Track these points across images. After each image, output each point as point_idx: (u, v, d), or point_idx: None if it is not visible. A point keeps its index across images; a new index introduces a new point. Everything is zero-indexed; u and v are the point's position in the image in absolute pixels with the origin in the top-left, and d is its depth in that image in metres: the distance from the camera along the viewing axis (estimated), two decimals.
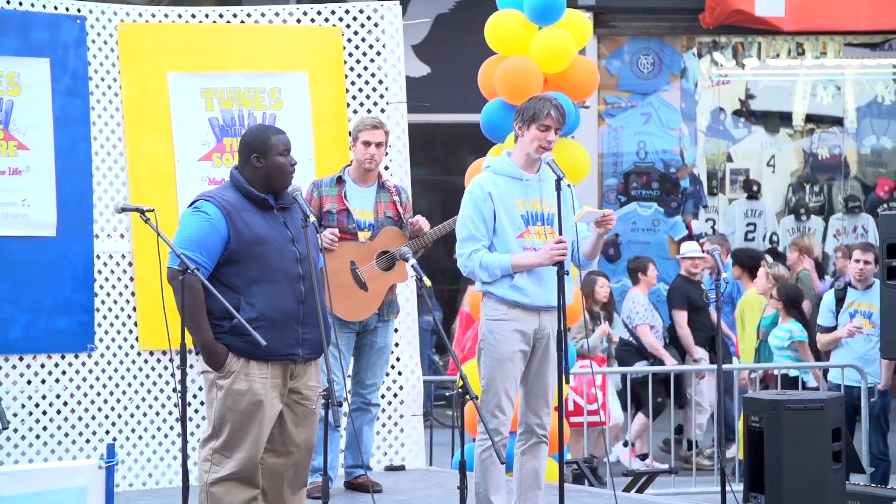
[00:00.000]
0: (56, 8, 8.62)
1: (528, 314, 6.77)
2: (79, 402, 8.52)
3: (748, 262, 13.15)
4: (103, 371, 8.60)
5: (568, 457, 9.96)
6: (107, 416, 8.59)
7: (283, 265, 6.04)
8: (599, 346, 11.66)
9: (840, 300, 10.60)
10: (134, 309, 8.69)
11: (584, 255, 6.87)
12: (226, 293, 5.94)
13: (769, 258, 13.96)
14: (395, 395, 9.21)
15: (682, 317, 12.53)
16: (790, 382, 11.00)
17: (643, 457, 11.98)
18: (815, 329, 11.01)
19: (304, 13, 9.21)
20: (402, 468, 9.13)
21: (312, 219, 6.00)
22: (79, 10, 8.69)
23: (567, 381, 6.65)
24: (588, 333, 11.33)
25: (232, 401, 5.98)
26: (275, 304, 5.99)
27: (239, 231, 6.00)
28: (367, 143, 8.16)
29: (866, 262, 10.43)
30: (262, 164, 6.10)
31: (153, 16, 8.95)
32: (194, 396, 8.68)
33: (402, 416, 9.21)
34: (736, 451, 11.31)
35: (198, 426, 8.71)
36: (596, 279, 11.85)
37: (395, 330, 8.84)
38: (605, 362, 11.73)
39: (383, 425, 9.14)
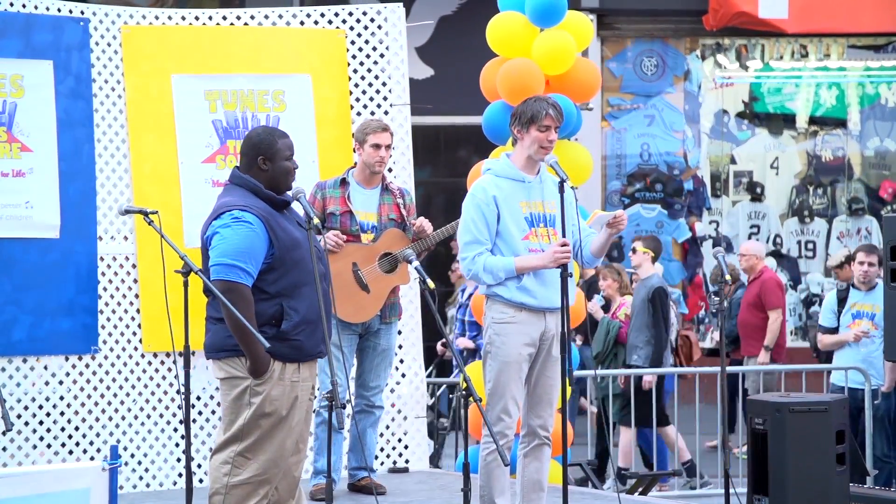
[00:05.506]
0: (59, 10, 8.62)
1: (535, 316, 6.76)
2: (82, 404, 8.52)
3: None
4: (107, 373, 8.60)
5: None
6: (110, 418, 8.59)
7: (311, 266, 5.97)
8: None
9: (842, 301, 10.58)
10: (137, 311, 8.69)
11: (592, 252, 6.86)
12: (268, 301, 5.90)
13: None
14: (399, 397, 9.21)
15: None
16: None
17: None
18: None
19: (308, 15, 9.21)
20: (405, 470, 9.13)
21: (316, 220, 5.99)
22: (82, 13, 8.69)
23: (570, 383, 6.63)
24: None
25: (268, 406, 5.92)
26: (313, 305, 5.96)
27: (279, 238, 5.94)
28: (376, 146, 8.14)
29: (870, 264, 10.41)
30: (268, 166, 6.05)
31: (157, 18, 8.95)
32: (198, 398, 8.69)
33: (405, 419, 9.21)
34: None
35: (201, 428, 8.72)
36: None
37: (399, 332, 8.84)
38: None
39: (387, 427, 9.13)
